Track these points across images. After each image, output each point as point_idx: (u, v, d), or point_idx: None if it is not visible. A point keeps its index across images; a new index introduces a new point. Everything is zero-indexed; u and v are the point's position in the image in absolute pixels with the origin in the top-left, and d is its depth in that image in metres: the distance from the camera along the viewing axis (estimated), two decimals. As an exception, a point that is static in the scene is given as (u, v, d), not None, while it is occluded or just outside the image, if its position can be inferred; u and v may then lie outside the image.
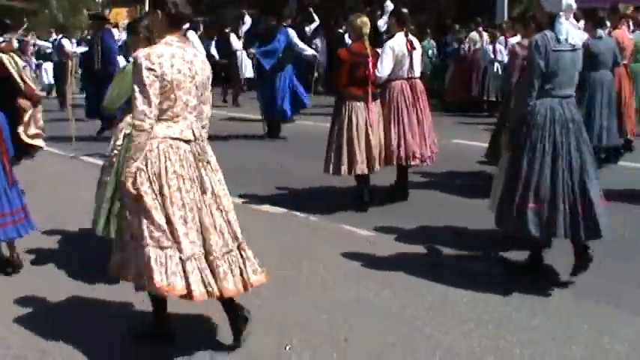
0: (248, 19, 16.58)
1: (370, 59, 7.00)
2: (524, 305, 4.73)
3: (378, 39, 10.28)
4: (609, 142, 8.52)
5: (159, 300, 4.14)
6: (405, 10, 7.69)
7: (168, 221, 3.80)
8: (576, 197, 4.84)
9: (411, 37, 7.41)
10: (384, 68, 7.09)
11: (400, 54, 7.21)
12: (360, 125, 6.93)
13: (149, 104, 3.76)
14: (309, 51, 12.19)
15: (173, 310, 4.29)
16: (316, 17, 15.76)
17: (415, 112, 7.30)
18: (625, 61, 9.11)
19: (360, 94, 6.97)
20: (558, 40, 4.89)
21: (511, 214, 4.97)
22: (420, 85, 7.45)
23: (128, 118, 4.77)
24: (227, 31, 16.83)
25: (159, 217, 3.79)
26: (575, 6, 5.12)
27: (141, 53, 3.83)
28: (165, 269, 3.76)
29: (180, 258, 3.79)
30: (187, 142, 3.94)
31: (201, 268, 3.84)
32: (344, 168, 6.99)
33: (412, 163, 7.27)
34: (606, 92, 8.45)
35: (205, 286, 3.84)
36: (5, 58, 7.27)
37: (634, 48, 9.50)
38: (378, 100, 7.17)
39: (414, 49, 7.36)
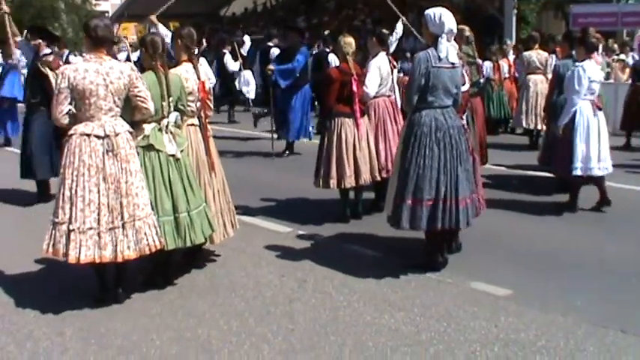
0: (247, 40, 16.49)
1: (354, 77, 7.24)
2: (530, 327, 4.70)
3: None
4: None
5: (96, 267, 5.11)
6: (385, 31, 8.09)
7: (70, 198, 4.88)
8: (451, 193, 5.52)
9: (389, 56, 7.84)
10: (372, 86, 7.40)
11: (385, 73, 7.57)
12: (348, 140, 7.20)
13: (57, 105, 4.97)
14: None
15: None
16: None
17: (397, 127, 7.63)
18: None
19: (348, 111, 7.24)
20: (439, 58, 5.51)
21: (405, 211, 5.57)
22: (396, 102, 7.84)
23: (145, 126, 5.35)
24: (224, 52, 16.67)
25: (63, 194, 4.93)
26: (455, 30, 5.67)
27: (63, 68, 5.10)
28: (54, 238, 4.94)
29: (69, 228, 4.86)
30: (99, 137, 4.92)
31: (85, 238, 4.84)
32: (333, 182, 7.26)
33: None
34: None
35: (85, 253, 4.84)
36: (52, 75, 7.58)
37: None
38: (366, 116, 7.43)
39: (395, 68, 7.86)
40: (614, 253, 6.31)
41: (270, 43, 13.58)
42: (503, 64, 14.18)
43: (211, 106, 6.13)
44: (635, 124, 12.03)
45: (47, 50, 8.29)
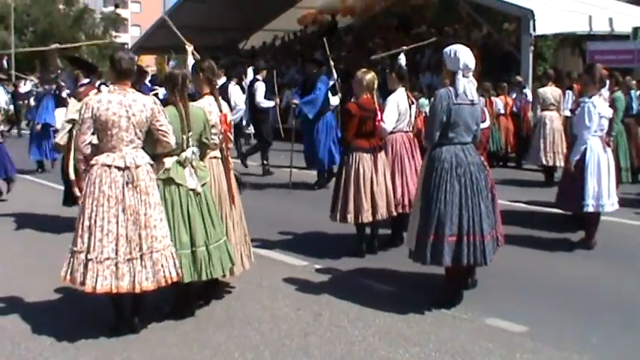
0: (250, 73, 16.51)
1: (378, 113, 7.31)
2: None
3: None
4: None
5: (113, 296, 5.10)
6: (403, 67, 8.14)
7: (90, 227, 4.92)
8: (474, 229, 5.52)
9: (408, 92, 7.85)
10: (389, 121, 7.43)
11: (403, 108, 7.60)
12: (366, 175, 7.22)
13: (80, 134, 5.06)
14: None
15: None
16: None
17: (414, 162, 7.65)
18: None
19: (367, 146, 7.28)
20: (458, 95, 5.55)
21: (427, 247, 5.58)
22: (413, 137, 7.89)
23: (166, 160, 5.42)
24: (233, 84, 16.47)
25: (82, 223, 4.97)
26: (471, 65, 5.63)
27: (87, 99, 5.17)
28: (71, 266, 4.99)
29: (87, 257, 4.90)
30: (120, 169, 4.97)
31: (102, 268, 4.87)
32: (350, 216, 7.26)
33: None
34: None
35: (102, 283, 4.87)
36: (72, 103, 7.88)
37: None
38: (383, 152, 7.47)
39: (413, 103, 7.87)
40: (630, 289, 6.29)
41: (259, 77, 13.60)
42: (498, 100, 14.38)
43: (232, 138, 6.20)
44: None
45: (85, 80, 8.66)
